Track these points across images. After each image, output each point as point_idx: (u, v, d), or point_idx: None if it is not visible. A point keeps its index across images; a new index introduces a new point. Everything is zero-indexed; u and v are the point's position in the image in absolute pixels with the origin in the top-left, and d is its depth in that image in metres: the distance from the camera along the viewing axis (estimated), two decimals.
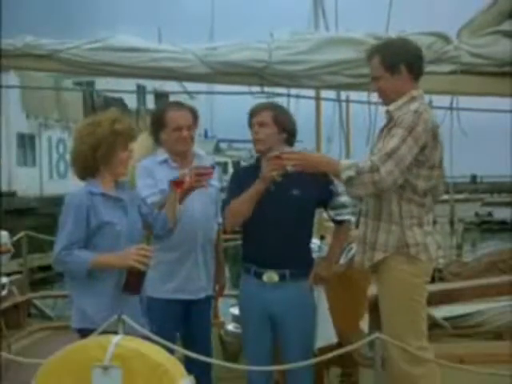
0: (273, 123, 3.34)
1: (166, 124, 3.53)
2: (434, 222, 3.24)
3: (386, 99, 3.16)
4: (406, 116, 2.96)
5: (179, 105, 3.62)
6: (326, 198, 3.39)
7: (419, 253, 3.00)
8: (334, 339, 3.34)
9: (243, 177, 3.44)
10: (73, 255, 2.76)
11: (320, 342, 3.32)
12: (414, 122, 2.93)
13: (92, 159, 2.89)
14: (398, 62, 3.07)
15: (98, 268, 2.80)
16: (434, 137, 3.00)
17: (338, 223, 3.48)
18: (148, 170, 3.50)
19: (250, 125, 3.42)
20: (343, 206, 3.38)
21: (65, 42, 3.71)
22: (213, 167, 3.31)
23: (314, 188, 3.30)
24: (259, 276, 3.32)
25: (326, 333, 3.34)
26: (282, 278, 3.30)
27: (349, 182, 2.88)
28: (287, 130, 3.38)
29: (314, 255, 3.59)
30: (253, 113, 3.40)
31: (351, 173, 2.85)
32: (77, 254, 2.77)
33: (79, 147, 2.91)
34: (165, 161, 3.57)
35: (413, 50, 3.15)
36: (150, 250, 2.84)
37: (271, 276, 3.31)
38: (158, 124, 3.58)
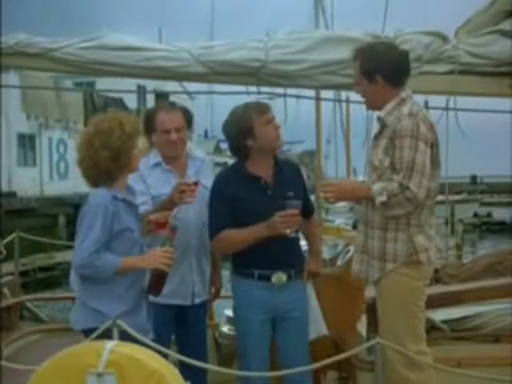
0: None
1: (156, 127, 3.47)
2: None
3: (367, 103, 3.16)
4: (404, 123, 2.93)
5: (170, 106, 3.54)
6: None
7: (424, 257, 2.98)
8: (324, 331, 3.38)
9: (227, 189, 3.28)
10: (102, 259, 2.77)
11: (312, 335, 3.34)
12: (415, 126, 2.91)
13: (116, 169, 2.89)
14: (375, 72, 3.03)
15: (125, 271, 2.83)
16: (435, 134, 3.00)
17: (307, 217, 3.43)
18: (140, 175, 3.37)
19: (249, 128, 3.19)
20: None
21: (58, 40, 3.67)
22: (195, 183, 3.24)
23: (301, 188, 3.40)
24: (266, 278, 3.24)
25: (315, 325, 3.37)
26: (289, 278, 3.28)
27: (385, 205, 2.90)
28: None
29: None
30: (264, 110, 3.25)
31: (383, 198, 2.87)
32: (106, 258, 2.78)
33: (95, 159, 2.86)
34: (158, 164, 3.51)
35: (393, 58, 3.08)
36: (172, 252, 2.91)
37: (280, 277, 3.25)
38: (148, 126, 3.51)
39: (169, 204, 3.25)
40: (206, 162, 3.75)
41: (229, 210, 3.23)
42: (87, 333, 2.75)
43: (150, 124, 3.49)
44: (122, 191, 2.95)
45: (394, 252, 2.98)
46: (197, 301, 3.56)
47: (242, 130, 3.23)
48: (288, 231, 3.10)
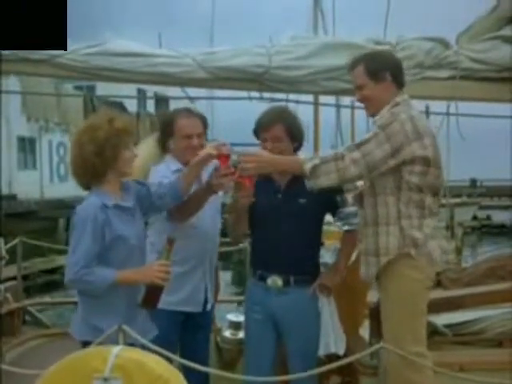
0: (287, 137, 3.29)
1: (175, 132, 3.44)
2: None
3: (371, 108, 3.15)
4: (384, 117, 2.99)
5: (189, 112, 3.50)
6: (332, 208, 3.36)
7: (421, 256, 2.96)
8: (334, 348, 3.30)
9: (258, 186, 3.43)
10: (94, 274, 2.68)
11: (321, 351, 3.30)
12: (389, 121, 2.94)
13: (100, 164, 2.79)
14: (383, 70, 3.07)
15: (119, 285, 2.74)
16: (420, 135, 2.93)
17: (346, 232, 3.43)
18: (163, 174, 3.34)
19: (258, 136, 3.34)
20: (351, 215, 3.33)
21: None
22: (235, 167, 3.11)
23: (320, 197, 3.21)
24: (264, 280, 3.33)
25: (325, 341, 3.31)
26: (286, 283, 3.29)
27: (313, 172, 2.88)
28: (298, 140, 3.36)
29: None
30: (264, 126, 3.30)
31: (316, 161, 2.85)
32: (98, 272, 2.69)
33: (82, 155, 2.79)
34: (179, 170, 3.42)
35: (396, 61, 3.19)
36: (170, 265, 2.83)
37: (275, 280, 3.30)
38: (166, 131, 3.47)
39: (202, 193, 3.20)
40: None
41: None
42: (84, 344, 2.72)
43: (168, 129, 3.46)
44: (114, 195, 2.86)
45: (386, 245, 2.98)
46: (209, 307, 3.56)
47: None
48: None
